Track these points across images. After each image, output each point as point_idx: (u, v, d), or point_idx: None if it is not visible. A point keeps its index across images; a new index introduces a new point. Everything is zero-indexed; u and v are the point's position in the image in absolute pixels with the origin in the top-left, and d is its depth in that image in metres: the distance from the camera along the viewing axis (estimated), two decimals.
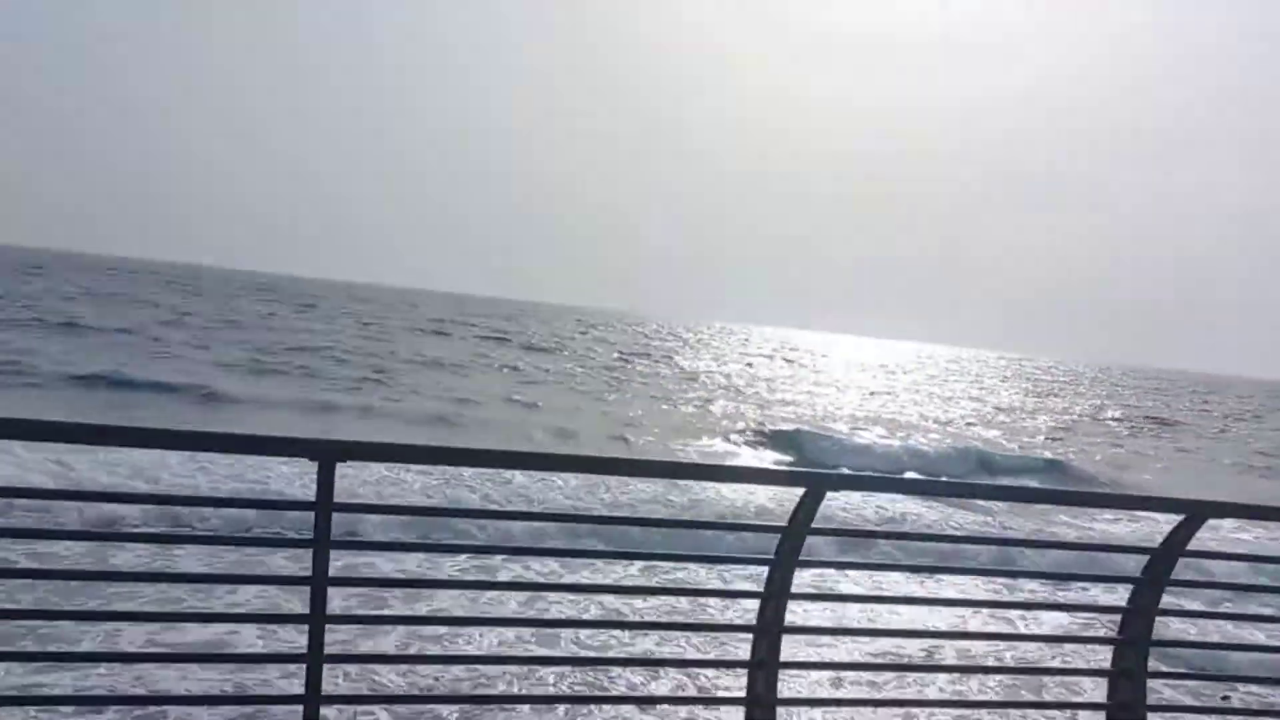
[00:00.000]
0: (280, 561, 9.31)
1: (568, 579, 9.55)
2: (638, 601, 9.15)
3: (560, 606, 8.84)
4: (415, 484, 13.85)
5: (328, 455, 3.59)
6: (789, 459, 23.54)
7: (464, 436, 21.20)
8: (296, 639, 4.56)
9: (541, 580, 9.25)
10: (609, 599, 9.08)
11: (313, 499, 3.62)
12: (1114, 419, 48.71)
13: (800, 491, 3.97)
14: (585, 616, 8.46)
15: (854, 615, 9.14)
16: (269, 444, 4.73)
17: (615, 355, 55.06)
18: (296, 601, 7.49)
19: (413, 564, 9.94)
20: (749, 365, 62.49)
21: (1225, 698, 7.94)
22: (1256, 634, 8.86)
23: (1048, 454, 28.96)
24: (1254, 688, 8.03)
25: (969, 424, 38.59)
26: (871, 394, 49.44)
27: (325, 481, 3.56)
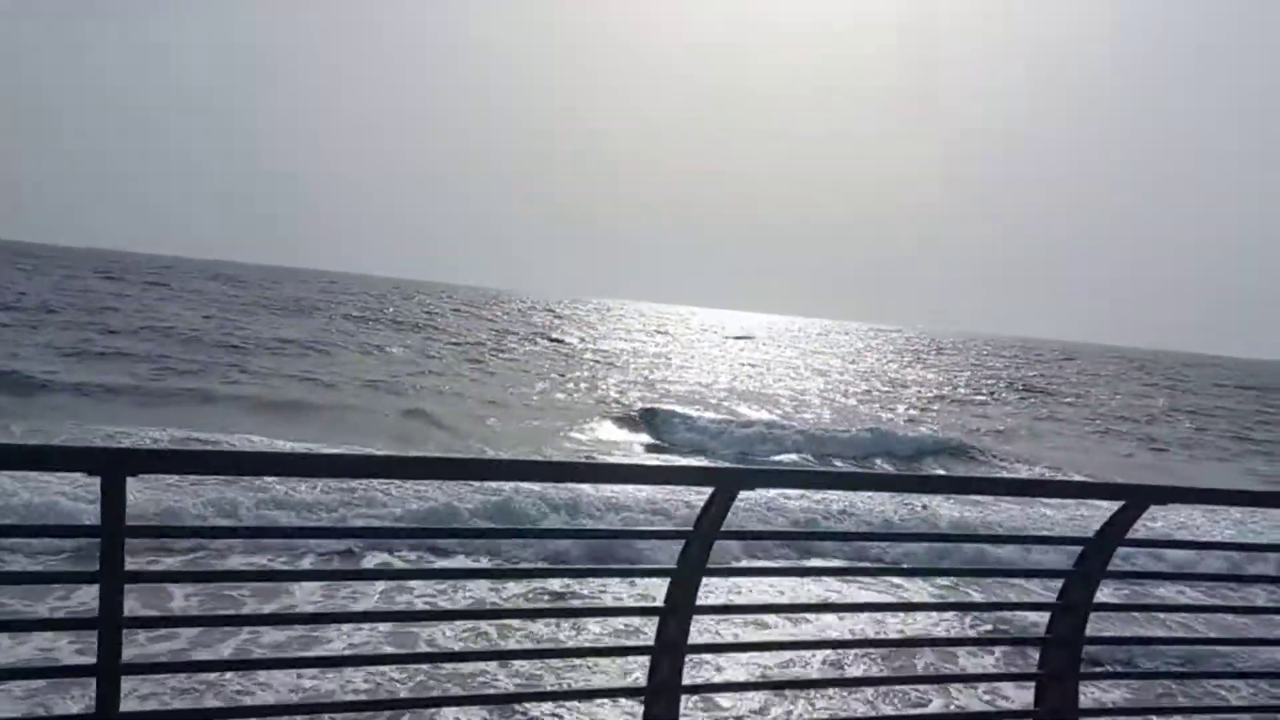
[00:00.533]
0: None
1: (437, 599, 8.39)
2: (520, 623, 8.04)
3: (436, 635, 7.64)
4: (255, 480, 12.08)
5: (114, 468, 2.91)
6: (650, 440, 22.38)
7: (311, 424, 19.58)
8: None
9: (404, 607, 8.05)
10: (486, 625, 7.94)
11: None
12: (985, 387, 49.75)
13: (710, 490, 3.49)
14: (456, 647, 7.32)
15: (767, 623, 8.21)
16: (38, 456, 3.98)
17: (486, 333, 53.57)
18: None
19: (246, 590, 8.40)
20: (626, 342, 61.75)
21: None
22: (1196, 626, 8.42)
23: (939, 429, 28.71)
24: (1206, 683, 7.49)
25: (848, 396, 38.62)
26: (749, 366, 49.32)
27: (113, 501, 2.90)
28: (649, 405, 25.99)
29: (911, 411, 34.72)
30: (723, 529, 3.51)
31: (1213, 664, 7.63)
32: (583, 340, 57.50)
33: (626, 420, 24.38)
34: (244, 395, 22.14)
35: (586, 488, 12.60)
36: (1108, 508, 4.04)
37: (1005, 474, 22.15)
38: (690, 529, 3.52)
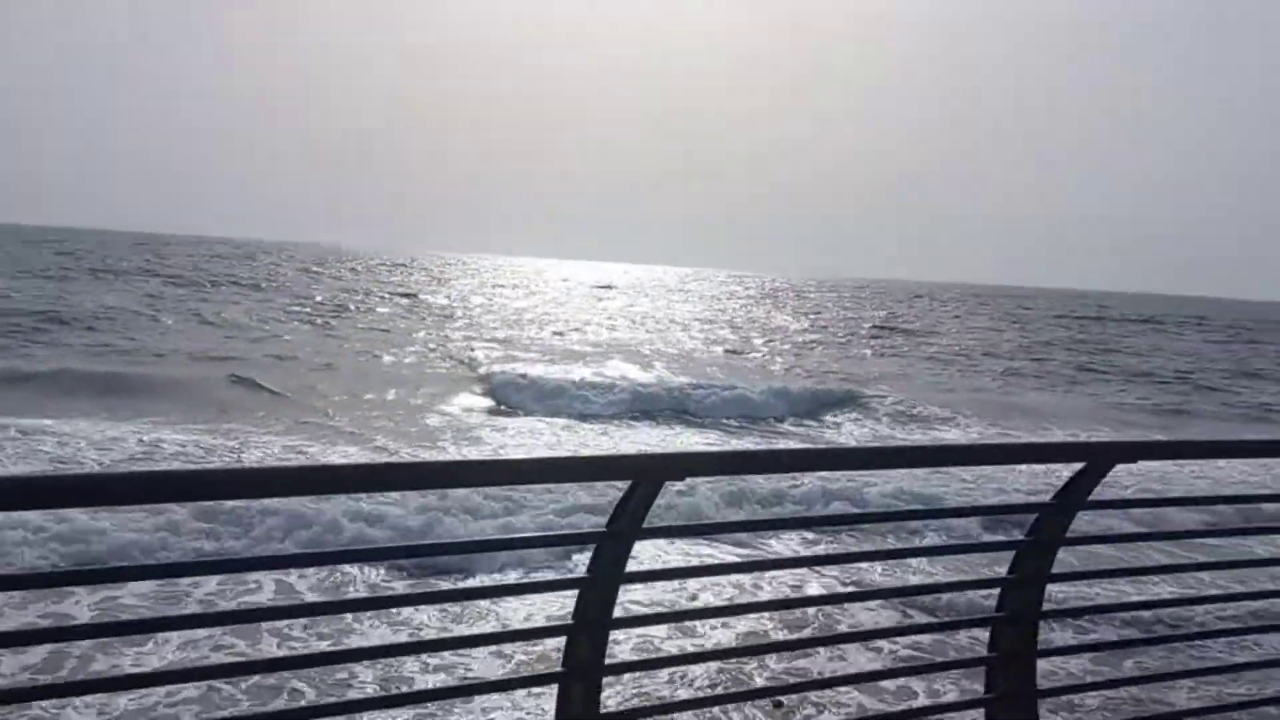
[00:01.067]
0: None
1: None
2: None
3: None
4: None
5: None
6: (503, 406, 20.32)
7: (134, 400, 17.51)
8: None
9: (248, 656, 6.64)
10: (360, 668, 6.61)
11: None
12: (845, 329, 50.46)
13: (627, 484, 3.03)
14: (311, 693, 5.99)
15: (695, 629, 7.49)
16: None
17: (330, 291, 51.02)
18: None
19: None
20: (481, 296, 60.02)
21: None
22: (1157, 588, 7.92)
23: (816, 376, 28.22)
24: (1177, 645, 6.94)
25: (718, 344, 38.19)
26: (614, 319, 48.48)
27: None
28: (501, 366, 23.87)
29: (785, 359, 34.35)
30: (644, 526, 3.06)
31: (1185, 627, 7.22)
32: (434, 296, 55.35)
33: (477, 382, 22.46)
34: (63, 371, 19.85)
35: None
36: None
37: (917, 427, 21.35)
38: (602, 529, 3.04)
